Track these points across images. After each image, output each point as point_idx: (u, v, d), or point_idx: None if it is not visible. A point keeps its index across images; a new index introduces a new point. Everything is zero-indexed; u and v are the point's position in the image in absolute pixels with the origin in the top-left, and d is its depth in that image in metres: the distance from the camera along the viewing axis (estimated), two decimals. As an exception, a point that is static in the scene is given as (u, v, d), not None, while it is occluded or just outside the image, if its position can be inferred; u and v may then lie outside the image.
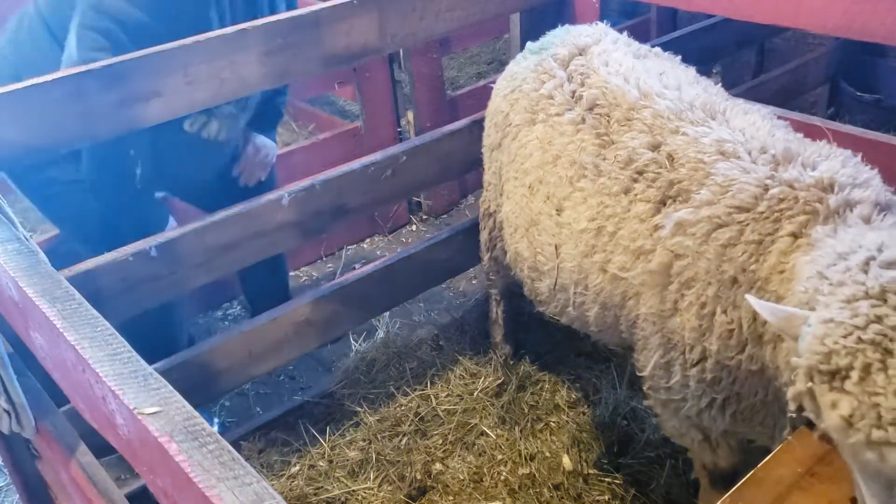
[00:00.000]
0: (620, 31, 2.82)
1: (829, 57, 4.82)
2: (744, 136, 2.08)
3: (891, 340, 1.40)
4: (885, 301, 1.45)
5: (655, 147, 2.19)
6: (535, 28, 2.97)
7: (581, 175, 2.36)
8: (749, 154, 2.01)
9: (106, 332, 1.43)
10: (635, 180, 2.20)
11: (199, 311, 4.16)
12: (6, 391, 1.99)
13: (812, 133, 2.20)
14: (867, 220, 1.77)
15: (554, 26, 2.88)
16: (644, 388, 2.32)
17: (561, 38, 2.75)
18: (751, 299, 1.65)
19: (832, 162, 1.94)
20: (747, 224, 1.91)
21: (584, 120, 2.42)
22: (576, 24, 2.94)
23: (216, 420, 3.47)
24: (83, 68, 2.22)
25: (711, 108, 2.22)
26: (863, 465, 1.44)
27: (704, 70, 2.54)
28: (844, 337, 1.44)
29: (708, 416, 2.12)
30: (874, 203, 1.81)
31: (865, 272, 1.53)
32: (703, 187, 2.03)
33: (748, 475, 1.68)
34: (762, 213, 1.89)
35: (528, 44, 2.92)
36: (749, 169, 1.97)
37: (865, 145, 2.58)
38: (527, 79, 2.72)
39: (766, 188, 1.91)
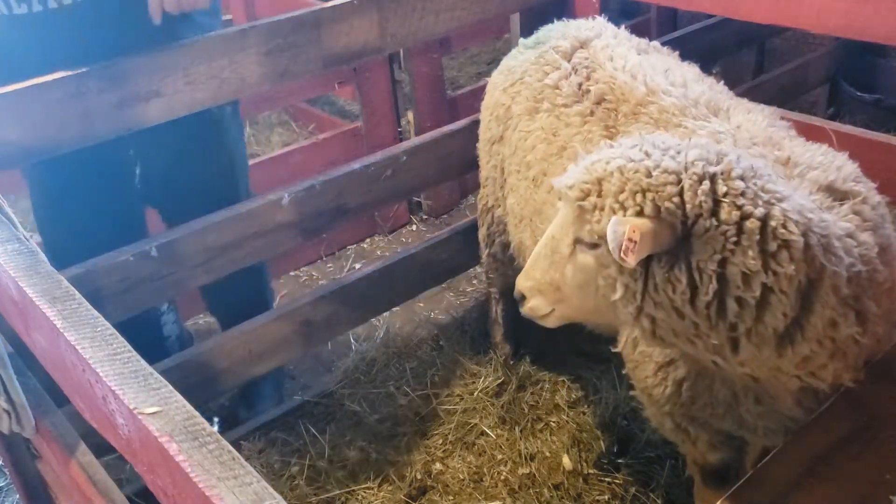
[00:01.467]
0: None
1: (829, 57, 4.82)
2: (739, 130, 2.09)
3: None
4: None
5: None
6: (535, 28, 2.97)
7: None
8: (735, 143, 2.03)
9: (106, 331, 1.43)
10: None
11: (200, 311, 4.16)
12: (6, 391, 1.99)
13: (812, 133, 2.20)
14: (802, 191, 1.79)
15: (554, 27, 2.89)
16: (630, 378, 2.33)
17: (560, 32, 2.76)
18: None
19: (803, 149, 1.95)
20: None
21: (592, 113, 2.43)
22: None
23: (216, 420, 3.47)
24: (83, 68, 2.22)
25: (715, 106, 2.24)
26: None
27: (704, 70, 2.55)
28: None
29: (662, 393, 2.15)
30: (825, 185, 1.82)
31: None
32: None
33: (748, 475, 1.68)
34: None
35: (521, 40, 2.92)
36: None
37: (865, 145, 2.59)
38: (528, 71, 2.73)
39: None
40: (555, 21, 2.94)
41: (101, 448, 1.93)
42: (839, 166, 1.90)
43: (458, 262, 3.55)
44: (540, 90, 2.64)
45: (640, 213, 1.59)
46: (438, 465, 2.99)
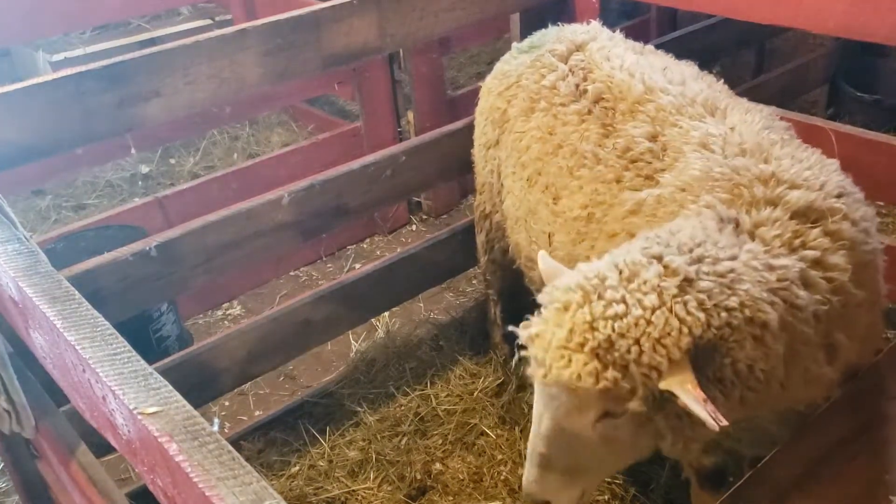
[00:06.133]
0: (620, 31, 2.82)
1: (829, 57, 4.82)
2: (731, 132, 2.09)
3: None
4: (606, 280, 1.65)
5: (654, 137, 2.21)
6: (535, 28, 2.97)
7: (581, 164, 2.38)
8: (723, 148, 2.03)
9: (106, 331, 1.43)
10: (627, 169, 2.23)
11: (199, 311, 4.16)
12: (6, 391, 1.99)
13: (812, 133, 2.20)
14: (766, 223, 1.78)
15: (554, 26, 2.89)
16: None
17: (556, 36, 2.76)
18: (541, 255, 1.87)
19: (791, 162, 1.94)
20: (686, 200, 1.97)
21: (590, 112, 2.43)
22: (575, 23, 2.94)
23: (216, 420, 3.47)
24: (83, 68, 2.22)
25: (712, 105, 2.24)
26: None
27: (704, 70, 2.55)
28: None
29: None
30: (806, 205, 1.82)
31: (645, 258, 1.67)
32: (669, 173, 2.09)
33: (748, 475, 1.68)
34: (694, 189, 1.96)
35: (515, 44, 2.93)
36: (710, 158, 2.00)
37: (865, 145, 2.59)
38: (524, 74, 2.73)
39: (710, 171, 1.96)
40: (555, 21, 2.94)
41: (101, 448, 1.93)
42: (823, 183, 1.88)
43: (458, 263, 3.55)
44: (537, 91, 2.64)
45: (670, 360, 1.54)
46: (438, 465, 2.99)
